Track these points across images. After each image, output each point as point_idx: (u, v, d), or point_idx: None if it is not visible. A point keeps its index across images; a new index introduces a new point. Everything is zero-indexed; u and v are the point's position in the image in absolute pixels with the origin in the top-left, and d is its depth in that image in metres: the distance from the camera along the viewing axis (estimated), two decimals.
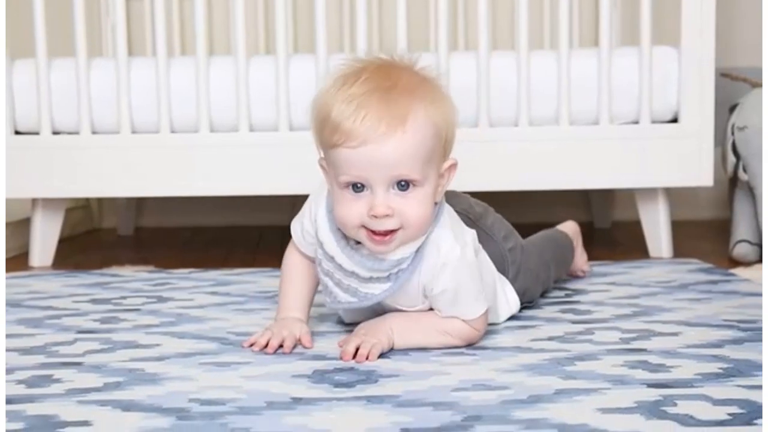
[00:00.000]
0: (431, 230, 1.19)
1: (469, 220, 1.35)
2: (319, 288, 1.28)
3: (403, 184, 1.13)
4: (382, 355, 1.18)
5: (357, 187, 1.14)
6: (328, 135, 1.13)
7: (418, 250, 1.19)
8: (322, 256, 1.23)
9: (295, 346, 1.23)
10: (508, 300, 1.38)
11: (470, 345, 1.24)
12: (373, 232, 1.15)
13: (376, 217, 1.13)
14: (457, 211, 1.32)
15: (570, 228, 1.74)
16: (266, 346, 1.22)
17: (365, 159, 1.11)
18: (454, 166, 1.20)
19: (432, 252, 1.19)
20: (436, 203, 1.19)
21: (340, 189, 1.15)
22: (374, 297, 1.21)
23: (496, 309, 1.34)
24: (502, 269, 1.37)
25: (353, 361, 1.15)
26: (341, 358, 1.16)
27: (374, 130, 1.10)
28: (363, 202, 1.14)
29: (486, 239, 1.35)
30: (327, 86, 1.16)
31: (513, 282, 1.39)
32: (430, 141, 1.14)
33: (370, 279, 1.20)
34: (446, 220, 1.21)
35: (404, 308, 1.24)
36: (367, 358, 1.15)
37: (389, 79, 1.14)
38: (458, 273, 1.19)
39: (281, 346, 1.22)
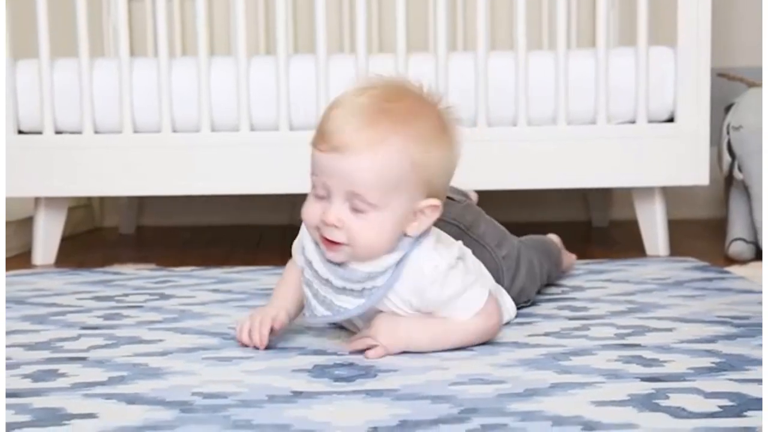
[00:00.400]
0: (410, 251, 1.16)
1: (460, 230, 1.35)
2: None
3: (362, 203, 1.13)
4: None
5: (322, 190, 1.15)
6: (316, 131, 1.16)
7: (396, 269, 1.16)
8: (304, 263, 1.22)
9: (272, 331, 1.23)
10: (507, 308, 1.37)
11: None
12: (325, 237, 1.15)
13: (325, 223, 1.14)
14: (447, 221, 1.31)
15: (551, 236, 1.75)
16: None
17: (327, 165, 1.12)
18: (435, 207, 1.16)
19: (414, 274, 1.16)
20: (407, 235, 1.16)
21: (312, 187, 1.17)
22: (347, 312, 1.18)
23: (504, 306, 1.34)
24: (497, 277, 1.37)
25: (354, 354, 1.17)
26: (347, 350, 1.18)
27: (345, 141, 1.11)
28: (321, 205, 1.15)
29: (479, 249, 1.35)
30: (350, 89, 1.18)
31: (510, 288, 1.39)
32: (399, 172, 1.12)
33: (344, 290, 1.17)
34: (429, 241, 1.18)
35: None
36: (363, 352, 1.17)
37: (390, 102, 1.14)
38: (448, 280, 1.17)
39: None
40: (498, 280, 1.37)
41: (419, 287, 1.17)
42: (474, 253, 1.33)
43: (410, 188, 1.14)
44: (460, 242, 1.25)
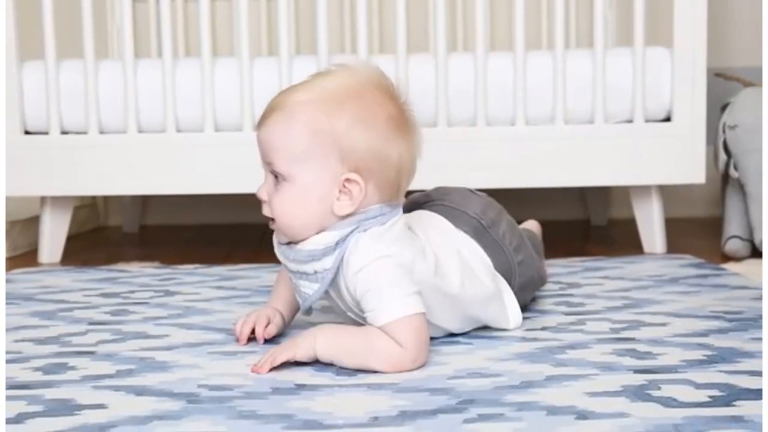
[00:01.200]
0: (350, 235, 1.14)
1: (481, 226, 1.31)
2: None
3: (279, 175, 1.15)
4: None
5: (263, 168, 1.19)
6: None
7: (340, 251, 1.14)
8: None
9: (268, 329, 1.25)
10: (512, 314, 1.32)
11: (399, 371, 1.09)
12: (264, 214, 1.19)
13: (259, 200, 1.18)
14: (469, 215, 1.31)
15: (535, 227, 1.68)
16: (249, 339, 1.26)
17: (257, 140, 1.18)
18: (353, 182, 1.13)
19: (352, 260, 1.13)
20: (336, 214, 1.14)
21: None
22: (309, 298, 1.18)
23: (506, 316, 1.31)
24: (508, 280, 1.33)
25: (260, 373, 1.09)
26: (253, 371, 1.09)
27: (264, 114, 1.17)
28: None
29: (497, 250, 1.32)
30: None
31: (516, 294, 1.34)
32: (304, 141, 1.12)
33: (300, 275, 1.17)
34: (376, 230, 1.14)
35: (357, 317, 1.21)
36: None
37: (332, 80, 1.16)
38: (374, 274, 1.12)
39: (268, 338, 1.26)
40: (509, 283, 1.33)
41: (354, 274, 1.13)
42: (490, 253, 1.31)
43: (320, 158, 1.13)
44: (412, 249, 1.17)
